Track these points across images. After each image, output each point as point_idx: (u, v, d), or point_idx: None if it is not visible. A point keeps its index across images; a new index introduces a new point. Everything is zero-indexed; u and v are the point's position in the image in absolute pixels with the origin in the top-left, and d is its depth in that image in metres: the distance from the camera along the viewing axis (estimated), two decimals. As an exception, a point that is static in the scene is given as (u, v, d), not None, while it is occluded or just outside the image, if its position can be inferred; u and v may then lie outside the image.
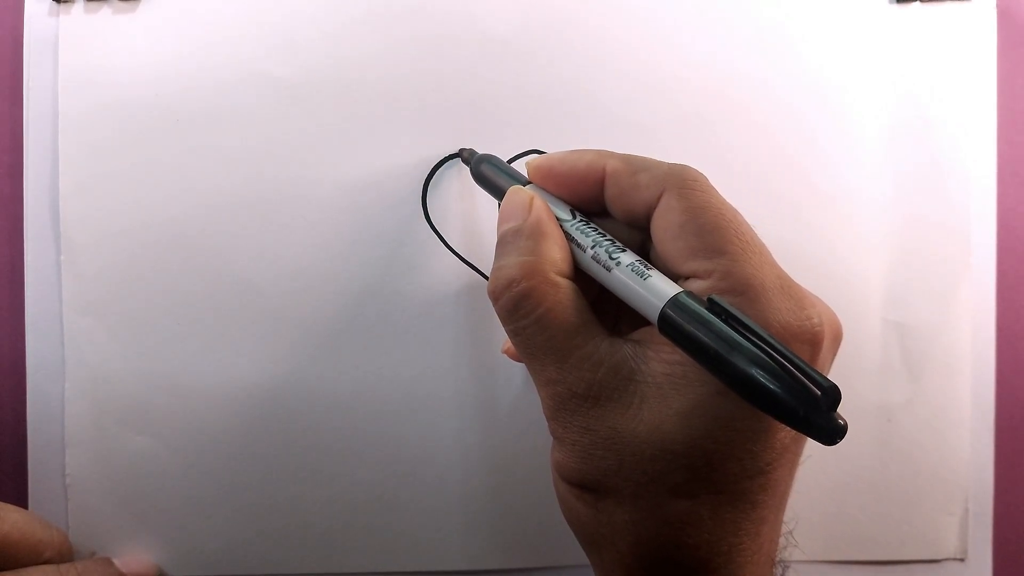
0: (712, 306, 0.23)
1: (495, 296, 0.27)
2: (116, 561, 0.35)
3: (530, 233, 0.27)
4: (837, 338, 0.26)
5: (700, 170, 0.28)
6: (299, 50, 0.35)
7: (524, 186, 0.30)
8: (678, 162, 0.27)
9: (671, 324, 0.24)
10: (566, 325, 0.26)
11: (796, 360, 0.22)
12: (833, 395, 0.21)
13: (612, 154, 0.28)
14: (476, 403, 0.35)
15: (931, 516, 0.36)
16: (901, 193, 0.36)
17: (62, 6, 0.35)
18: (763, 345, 0.22)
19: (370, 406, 0.35)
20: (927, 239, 0.36)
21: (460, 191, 0.35)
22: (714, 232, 0.25)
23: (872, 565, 0.36)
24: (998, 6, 0.36)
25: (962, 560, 0.36)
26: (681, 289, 0.24)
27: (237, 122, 0.35)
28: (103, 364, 0.35)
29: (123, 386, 0.35)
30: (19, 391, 0.36)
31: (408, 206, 0.35)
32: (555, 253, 0.27)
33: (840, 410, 0.22)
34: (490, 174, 0.32)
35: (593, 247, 0.27)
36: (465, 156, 0.34)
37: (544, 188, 0.29)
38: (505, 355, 0.34)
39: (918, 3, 0.35)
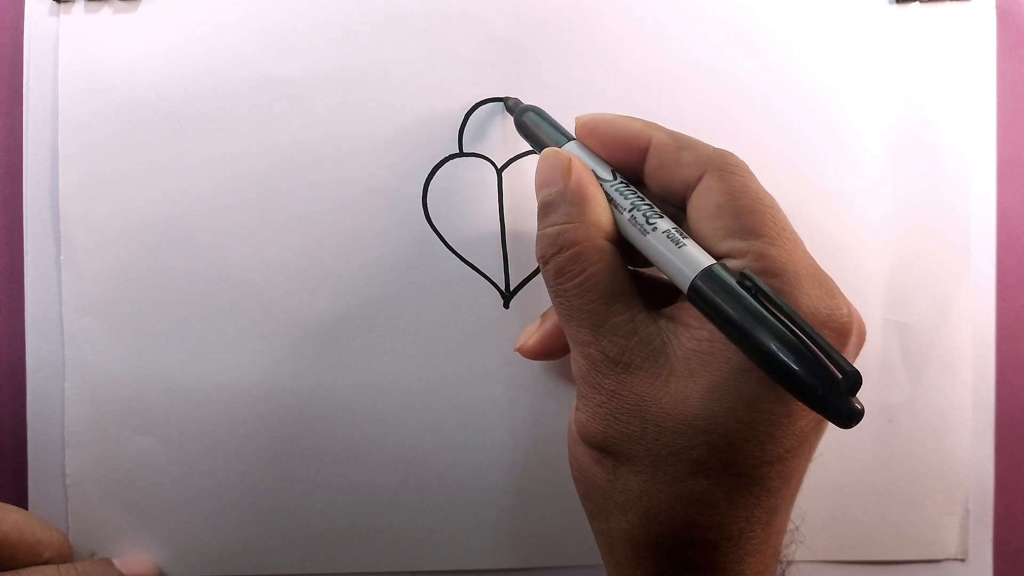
0: (743, 280, 0.23)
1: (542, 261, 0.28)
2: (116, 561, 0.35)
3: (573, 197, 0.27)
4: (861, 336, 0.26)
5: None
6: (299, 50, 0.35)
7: (566, 142, 0.30)
8: (722, 148, 0.27)
9: (700, 294, 0.24)
10: (606, 291, 0.26)
11: (820, 341, 0.22)
12: (854, 379, 0.21)
13: (659, 127, 0.28)
14: (476, 403, 0.35)
15: (931, 516, 0.36)
16: (901, 193, 0.36)
17: (62, 6, 0.35)
18: (789, 323, 0.22)
19: (371, 406, 0.35)
20: (927, 239, 0.36)
21: (460, 190, 0.35)
22: (751, 215, 0.25)
23: (872, 565, 0.36)
24: (998, 6, 0.36)
25: (962, 560, 0.36)
26: (714, 260, 0.25)
27: (237, 122, 0.35)
28: (103, 364, 0.35)
29: (123, 386, 0.35)
30: (19, 391, 0.36)
31: (408, 206, 0.35)
32: (599, 216, 0.27)
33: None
34: (533, 125, 0.32)
35: (631, 209, 0.27)
36: (510, 104, 0.34)
37: (587, 145, 0.30)
38: (519, 352, 0.33)
39: (918, 3, 0.35)
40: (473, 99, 0.35)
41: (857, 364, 0.35)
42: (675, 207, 0.28)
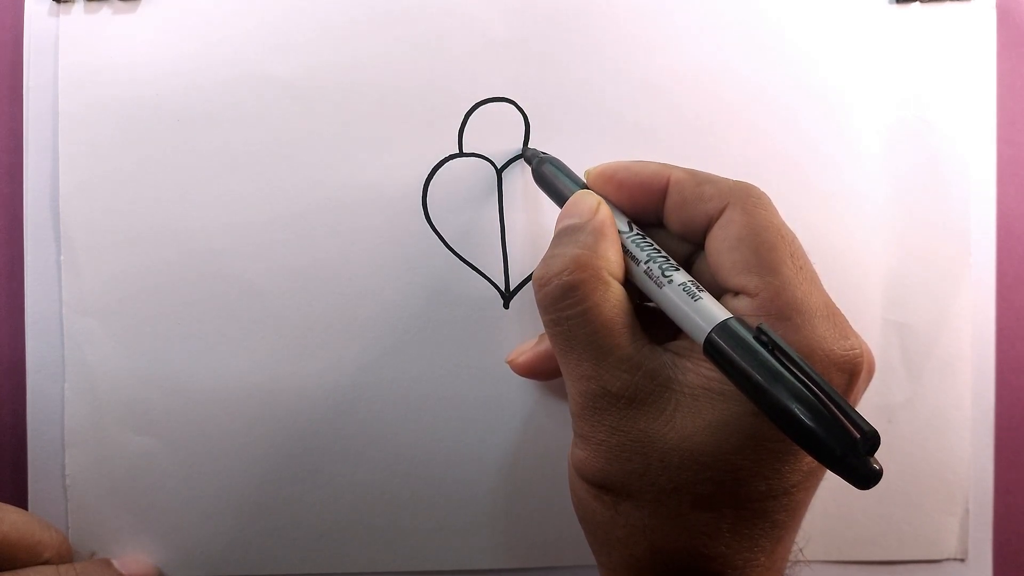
0: (759, 335, 0.23)
1: (543, 282, 0.27)
2: (115, 562, 0.35)
3: (591, 230, 0.27)
4: (871, 372, 0.26)
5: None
6: (299, 50, 0.35)
7: (582, 188, 0.30)
8: (741, 180, 0.27)
9: (716, 348, 0.24)
10: (610, 323, 0.26)
11: (839, 400, 0.22)
12: (872, 439, 0.21)
13: (676, 166, 0.28)
14: (476, 403, 0.35)
15: (931, 516, 0.36)
16: (901, 193, 0.36)
17: (62, 6, 0.35)
18: (807, 380, 0.22)
19: (370, 406, 0.35)
20: (927, 239, 0.36)
21: (460, 191, 0.35)
22: (771, 251, 0.25)
23: (872, 565, 0.36)
24: (998, 6, 0.36)
25: (962, 560, 0.36)
26: (730, 315, 0.24)
27: (237, 122, 0.35)
28: (103, 364, 0.35)
29: (123, 386, 0.35)
30: (19, 391, 0.36)
31: (408, 206, 0.35)
32: (611, 254, 0.27)
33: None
34: (551, 176, 0.32)
35: (647, 262, 0.27)
36: (528, 155, 0.34)
37: (603, 195, 0.29)
38: (509, 365, 0.34)
39: (918, 3, 0.35)
40: (473, 99, 0.35)
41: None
42: (694, 244, 0.28)
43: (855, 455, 0.21)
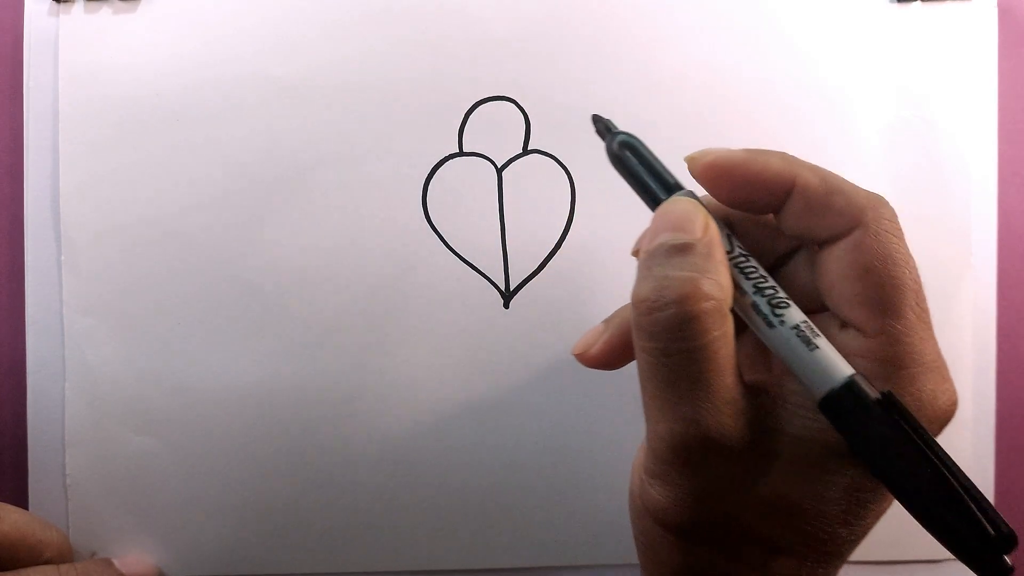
0: (888, 399, 0.22)
1: (656, 305, 0.23)
2: (116, 562, 0.35)
3: (707, 253, 0.24)
4: None
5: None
6: (299, 50, 0.35)
7: (673, 186, 0.26)
8: (873, 192, 0.25)
9: (837, 407, 0.22)
10: (724, 363, 0.23)
11: (979, 497, 0.21)
12: (1010, 541, 0.20)
13: (801, 163, 0.25)
14: (476, 403, 0.35)
15: (932, 516, 0.36)
16: (901, 193, 0.36)
17: (62, 6, 0.35)
18: (939, 463, 0.21)
19: (370, 406, 0.35)
20: (927, 238, 0.36)
21: (460, 190, 0.35)
22: (897, 290, 0.23)
23: (872, 565, 0.36)
24: (999, 5, 0.35)
25: (963, 560, 0.36)
26: (853, 371, 0.23)
27: (237, 122, 0.35)
28: (103, 364, 0.35)
29: (123, 386, 0.35)
30: (19, 391, 0.36)
31: (408, 206, 0.35)
32: (726, 282, 0.24)
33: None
34: (633, 163, 0.26)
35: (755, 293, 0.24)
36: (599, 128, 0.27)
37: (707, 188, 0.26)
38: (577, 359, 0.29)
39: (918, 3, 0.35)
40: (473, 98, 0.35)
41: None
42: (787, 241, 0.26)
43: (986, 551, 0.20)
